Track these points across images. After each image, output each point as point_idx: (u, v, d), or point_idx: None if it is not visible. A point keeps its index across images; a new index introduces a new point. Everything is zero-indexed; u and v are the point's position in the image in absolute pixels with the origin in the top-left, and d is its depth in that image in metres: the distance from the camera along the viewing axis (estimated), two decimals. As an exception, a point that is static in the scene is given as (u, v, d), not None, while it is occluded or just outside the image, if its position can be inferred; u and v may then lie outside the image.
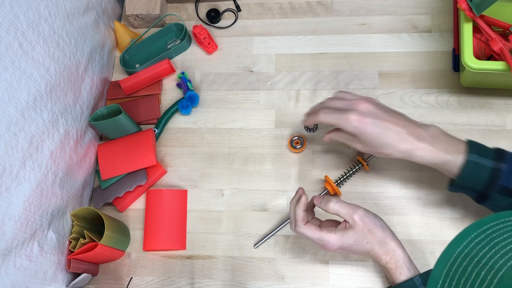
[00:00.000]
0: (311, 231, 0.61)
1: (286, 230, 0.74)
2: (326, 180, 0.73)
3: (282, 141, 0.80)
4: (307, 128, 0.78)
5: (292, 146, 0.77)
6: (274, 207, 0.76)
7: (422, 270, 0.70)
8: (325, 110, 0.62)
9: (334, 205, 0.61)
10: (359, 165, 0.73)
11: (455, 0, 0.80)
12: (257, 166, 0.79)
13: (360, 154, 0.75)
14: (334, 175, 0.76)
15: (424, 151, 0.58)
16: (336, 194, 0.73)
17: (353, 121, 0.59)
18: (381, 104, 0.62)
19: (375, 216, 0.63)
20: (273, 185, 0.78)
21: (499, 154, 0.58)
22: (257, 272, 0.73)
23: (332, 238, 0.60)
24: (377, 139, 0.59)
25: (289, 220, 0.73)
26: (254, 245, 0.74)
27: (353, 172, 0.74)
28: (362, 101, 0.61)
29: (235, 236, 0.75)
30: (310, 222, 0.63)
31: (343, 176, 0.74)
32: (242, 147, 0.81)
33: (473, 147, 0.58)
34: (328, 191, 0.73)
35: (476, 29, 0.75)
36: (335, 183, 0.73)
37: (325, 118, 0.62)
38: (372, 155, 0.74)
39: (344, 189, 0.75)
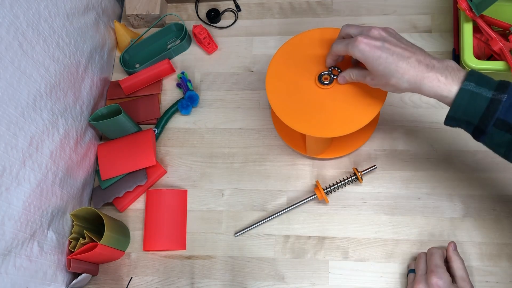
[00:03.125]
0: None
1: (286, 230, 0.74)
2: (316, 186, 0.73)
3: (282, 141, 0.80)
4: (331, 71, 0.67)
5: (320, 81, 0.66)
6: (274, 207, 0.76)
7: (422, 270, 0.70)
8: (337, 40, 0.62)
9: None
10: (353, 177, 0.73)
11: (455, 0, 0.80)
12: (257, 166, 0.79)
13: (356, 165, 0.76)
14: (334, 176, 0.77)
15: (434, 81, 0.53)
16: (324, 201, 0.74)
17: (360, 44, 0.56)
18: (396, 33, 0.58)
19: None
20: (273, 185, 0.78)
21: (502, 85, 0.52)
22: (257, 272, 0.73)
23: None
24: (384, 64, 0.55)
25: (273, 216, 0.73)
26: (235, 234, 0.74)
27: (346, 182, 0.73)
28: (376, 27, 0.58)
29: (235, 236, 0.75)
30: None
31: (334, 185, 0.74)
32: (242, 147, 0.81)
33: (473, 76, 0.53)
34: (316, 196, 0.73)
35: (476, 29, 0.75)
36: (325, 190, 0.73)
37: (336, 47, 0.61)
38: (367, 169, 0.74)
39: (345, 189, 0.75)
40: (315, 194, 0.73)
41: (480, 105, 0.52)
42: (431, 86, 0.54)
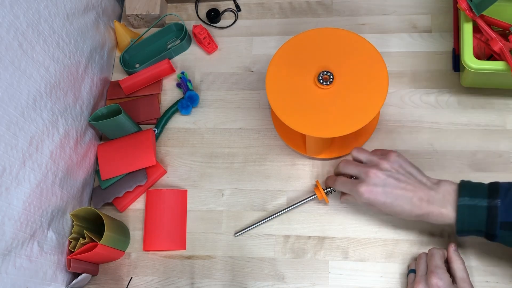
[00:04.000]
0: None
1: (286, 230, 0.74)
2: (316, 186, 0.72)
3: (282, 141, 0.80)
4: (327, 189, 0.71)
5: (320, 82, 0.66)
6: (274, 207, 0.76)
7: (422, 270, 0.70)
8: (340, 179, 0.67)
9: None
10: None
11: (455, 0, 0.80)
12: (257, 166, 0.79)
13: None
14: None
15: (437, 216, 0.60)
16: (324, 201, 0.74)
17: (364, 194, 0.61)
18: (393, 164, 0.63)
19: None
20: (273, 185, 0.78)
21: (492, 190, 0.58)
22: (257, 272, 0.73)
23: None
24: (389, 207, 0.61)
25: (273, 216, 0.74)
26: (235, 233, 0.74)
27: None
28: (372, 169, 0.62)
29: (235, 236, 0.75)
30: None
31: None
32: (242, 147, 0.81)
33: (465, 189, 0.59)
34: (316, 196, 0.73)
35: (476, 29, 0.75)
36: (324, 190, 0.72)
37: (340, 187, 0.67)
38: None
39: (344, 189, 0.76)
40: (315, 194, 0.73)
41: (481, 214, 0.57)
42: (436, 220, 0.60)
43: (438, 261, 0.63)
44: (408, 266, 0.70)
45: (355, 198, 0.64)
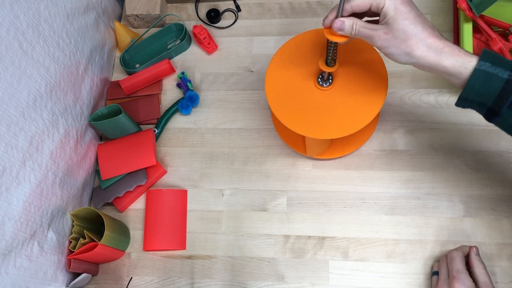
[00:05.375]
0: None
1: (286, 230, 0.74)
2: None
3: (282, 141, 0.80)
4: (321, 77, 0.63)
5: (318, 83, 0.65)
6: (274, 207, 0.76)
7: (423, 270, 0.70)
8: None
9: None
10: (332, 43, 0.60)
11: (455, 0, 0.80)
12: (257, 166, 0.79)
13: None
14: (334, 176, 0.77)
15: (455, 51, 0.52)
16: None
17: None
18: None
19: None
20: (273, 185, 0.78)
21: None
22: (257, 272, 0.73)
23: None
24: (411, 20, 0.52)
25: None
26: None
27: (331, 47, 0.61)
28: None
29: (235, 236, 0.75)
30: None
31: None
32: (242, 147, 0.81)
33: (487, 55, 0.51)
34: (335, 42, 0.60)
35: (476, 29, 0.75)
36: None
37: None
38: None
39: (345, 188, 0.76)
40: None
41: (495, 86, 0.50)
42: (451, 55, 0.51)
43: (459, 265, 0.62)
44: (432, 267, 0.69)
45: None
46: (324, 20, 0.57)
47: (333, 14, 0.56)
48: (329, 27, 0.56)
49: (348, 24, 0.55)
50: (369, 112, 0.64)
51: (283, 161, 0.79)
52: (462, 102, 0.54)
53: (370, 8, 0.54)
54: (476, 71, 0.50)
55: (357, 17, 0.56)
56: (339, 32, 0.56)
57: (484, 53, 0.51)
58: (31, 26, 0.62)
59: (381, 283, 0.70)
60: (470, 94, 0.52)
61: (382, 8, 0.52)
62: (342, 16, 0.55)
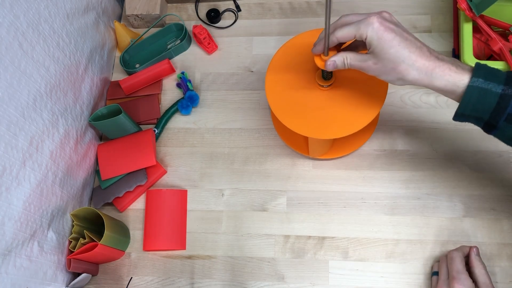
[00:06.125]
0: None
1: (286, 230, 0.74)
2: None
3: (282, 141, 0.80)
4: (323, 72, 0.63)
5: (319, 83, 0.65)
6: (274, 207, 0.76)
7: (423, 270, 0.70)
8: (341, 24, 0.56)
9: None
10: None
11: (455, 0, 0.80)
12: (257, 166, 0.79)
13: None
14: (334, 175, 0.77)
15: (445, 70, 0.51)
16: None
17: (375, 23, 0.52)
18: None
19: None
20: (273, 185, 0.78)
21: (510, 77, 0.50)
22: (257, 272, 0.73)
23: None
24: (396, 48, 0.51)
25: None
26: None
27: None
28: (382, 11, 0.55)
29: (235, 236, 0.75)
30: None
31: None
32: (242, 147, 0.81)
33: (480, 70, 0.51)
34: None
35: (476, 29, 0.76)
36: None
37: (342, 31, 0.55)
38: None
39: (345, 188, 0.76)
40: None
41: (490, 101, 0.50)
42: (442, 75, 0.51)
43: (459, 265, 0.62)
44: (432, 267, 0.69)
45: (362, 30, 0.54)
46: (312, 49, 0.58)
47: (321, 45, 0.57)
48: (318, 55, 0.58)
49: (340, 61, 0.57)
50: (369, 112, 0.64)
51: (283, 161, 0.79)
52: (459, 117, 0.54)
53: (355, 38, 0.54)
54: (469, 88, 0.50)
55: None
56: (332, 69, 0.58)
57: (476, 68, 0.51)
58: (31, 26, 0.62)
59: (381, 283, 0.70)
60: (466, 110, 0.52)
61: (366, 39, 0.53)
62: (329, 49, 0.56)
